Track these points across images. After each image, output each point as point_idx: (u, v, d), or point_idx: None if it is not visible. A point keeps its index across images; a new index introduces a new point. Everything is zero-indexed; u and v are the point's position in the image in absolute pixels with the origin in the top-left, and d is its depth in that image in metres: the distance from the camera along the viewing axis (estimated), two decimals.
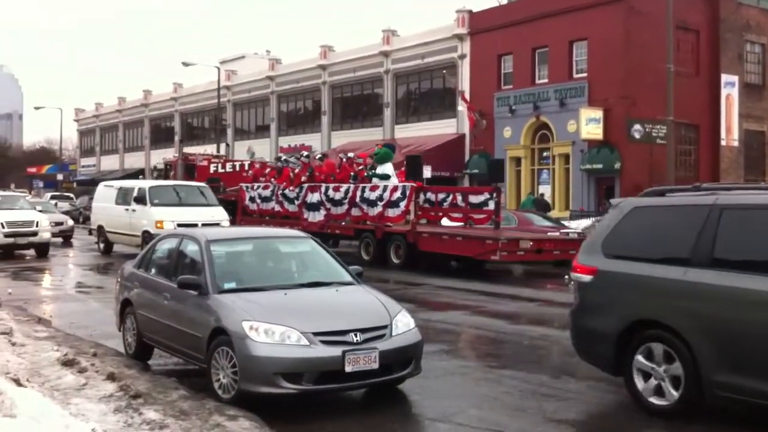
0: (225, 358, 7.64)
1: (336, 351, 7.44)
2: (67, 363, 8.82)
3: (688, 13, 34.27)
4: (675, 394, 7.27)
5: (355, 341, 7.57)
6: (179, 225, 21.04)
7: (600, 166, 34.46)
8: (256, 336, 7.45)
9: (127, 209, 24.46)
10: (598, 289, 8.12)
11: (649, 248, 7.78)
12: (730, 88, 37.68)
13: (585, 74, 35.54)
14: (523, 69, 38.20)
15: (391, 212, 22.78)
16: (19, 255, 25.98)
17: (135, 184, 26.77)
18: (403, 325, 8.09)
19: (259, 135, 57.39)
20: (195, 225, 20.24)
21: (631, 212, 8.13)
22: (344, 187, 24.68)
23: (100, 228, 26.58)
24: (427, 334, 9.31)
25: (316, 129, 51.83)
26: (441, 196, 22.92)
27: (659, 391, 7.42)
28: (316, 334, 7.51)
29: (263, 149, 53.08)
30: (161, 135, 69.76)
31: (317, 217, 25.32)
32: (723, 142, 37.58)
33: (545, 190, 37.02)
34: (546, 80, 37.29)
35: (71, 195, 62.17)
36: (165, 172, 37.29)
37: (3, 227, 24.57)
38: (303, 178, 26.82)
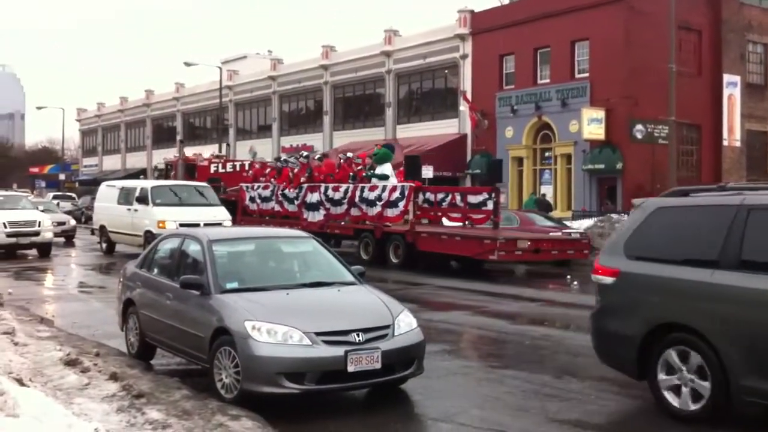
0: (227, 358, 7.64)
1: (338, 351, 7.44)
2: (70, 363, 8.83)
3: (690, 13, 34.25)
4: (701, 398, 7.11)
5: (357, 341, 7.58)
6: (181, 225, 21.07)
7: (602, 166, 34.44)
8: (259, 336, 7.46)
9: (129, 209, 24.48)
10: (620, 291, 7.95)
11: (674, 249, 7.61)
12: (732, 89, 37.65)
13: (587, 74, 35.52)
14: (524, 69, 38.19)
15: (390, 212, 22.85)
16: (21, 255, 26.01)
17: (137, 184, 26.80)
18: (406, 325, 8.09)
19: (261, 135, 57.39)
20: (197, 225, 20.25)
21: (655, 213, 7.95)
22: (343, 187, 24.76)
23: (103, 228, 26.61)
24: (429, 334, 9.32)
25: (318, 129, 51.83)
26: (440, 196, 23.00)
27: (685, 396, 7.25)
28: (318, 334, 7.52)
29: (265, 149, 53.06)
30: (163, 135, 69.78)
31: (317, 217, 25.41)
32: (725, 143, 37.54)
33: (547, 190, 37.00)
34: (548, 80, 37.28)
35: (73, 195, 62.20)
36: (165, 173, 37.35)
37: (5, 227, 24.59)
38: (302, 179, 26.87)
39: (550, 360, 10.29)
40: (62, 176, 79.38)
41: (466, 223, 22.61)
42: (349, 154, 28.57)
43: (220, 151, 45.68)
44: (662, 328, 7.43)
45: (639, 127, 31.43)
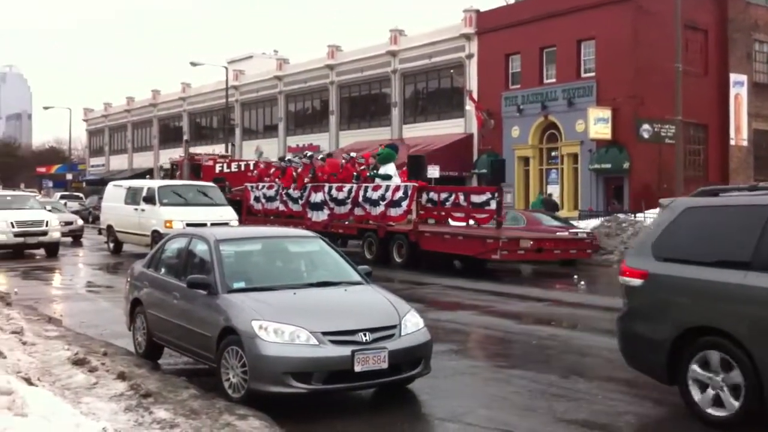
0: (235, 357, 7.66)
1: (345, 351, 7.44)
2: (78, 362, 8.85)
3: (697, 12, 34.19)
4: (734, 404, 6.90)
5: (364, 341, 7.58)
6: (188, 225, 21.07)
7: (608, 165, 34.40)
8: (266, 335, 7.46)
9: (136, 209, 24.52)
10: (649, 294, 7.73)
11: (704, 251, 7.40)
12: (738, 88, 37.58)
13: (593, 74, 35.48)
14: (530, 68, 38.16)
15: (394, 212, 22.92)
16: (29, 254, 26.08)
17: (144, 183, 26.85)
18: (413, 324, 8.09)
19: (267, 135, 57.45)
20: (204, 225, 20.27)
21: (684, 213, 7.73)
22: (347, 186, 24.85)
23: (110, 227, 26.66)
24: (436, 334, 9.31)
25: (324, 129, 51.87)
26: (443, 195, 23.05)
27: (717, 401, 7.05)
28: (325, 333, 7.52)
29: (271, 149, 53.12)
30: (170, 135, 69.90)
31: (321, 216, 25.51)
32: (732, 142, 37.48)
33: (554, 189, 36.96)
34: (554, 80, 37.24)
35: (81, 195, 62.37)
36: (171, 172, 37.44)
37: (13, 227, 24.66)
38: (306, 179, 26.95)
39: (557, 360, 10.27)
40: (69, 176, 79.60)
41: (471, 222, 22.65)
42: (353, 154, 28.67)
43: (226, 151, 45.77)
44: (693, 332, 7.24)
45: (646, 126, 31.41)
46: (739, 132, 37.79)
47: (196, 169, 33.79)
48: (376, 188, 23.66)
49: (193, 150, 40.71)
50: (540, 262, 22.91)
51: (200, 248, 9.13)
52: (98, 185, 65.07)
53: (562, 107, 36.30)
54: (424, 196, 23.19)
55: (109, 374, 8.40)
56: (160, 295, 9.49)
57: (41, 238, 25.31)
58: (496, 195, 21.45)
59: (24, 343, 9.93)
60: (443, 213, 23.39)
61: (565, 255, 21.82)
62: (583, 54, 36.08)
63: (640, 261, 7.92)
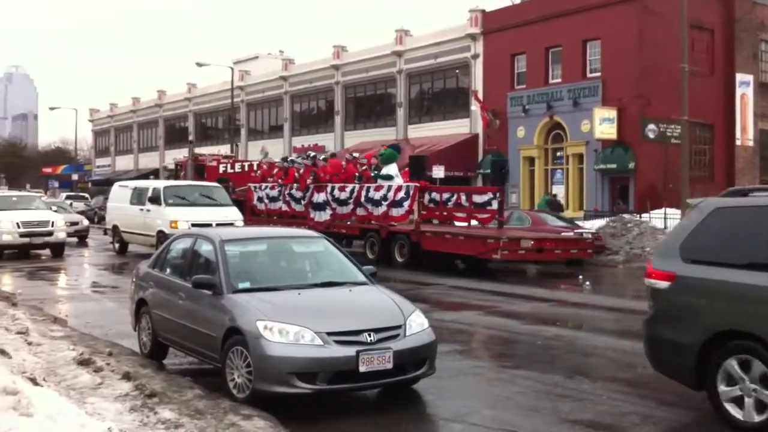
0: (239, 357, 7.67)
1: (350, 351, 7.45)
2: (83, 362, 8.87)
3: (703, 12, 34.12)
4: (766, 409, 6.74)
5: (369, 341, 7.58)
6: (193, 225, 21.12)
7: (614, 166, 34.34)
8: (271, 336, 7.47)
9: (141, 209, 24.57)
10: (676, 297, 7.51)
11: (735, 252, 7.19)
12: (744, 88, 37.49)
13: (599, 74, 35.42)
14: (536, 68, 38.12)
15: (395, 212, 23.07)
16: (34, 255, 26.16)
17: (150, 184, 26.91)
18: (417, 325, 8.09)
19: (273, 135, 57.49)
20: (209, 225, 20.29)
21: (713, 213, 7.50)
22: (349, 187, 25.03)
23: (115, 228, 26.71)
24: (440, 334, 9.31)
25: (329, 129, 51.88)
26: (446, 195, 23.14)
27: (748, 407, 6.87)
28: (330, 333, 7.52)
29: (277, 149, 53.16)
30: (175, 135, 70.00)
31: (323, 216, 25.66)
32: (738, 142, 37.39)
33: (559, 190, 36.93)
34: (559, 80, 37.19)
35: (86, 195, 62.52)
36: (175, 173, 37.55)
37: (18, 227, 24.73)
38: (308, 180, 27.06)
39: (562, 360, 10.26)
40: (75, 176, 79.74)
41: (474, 222, 22.74)
42: (356, 154, 28.80)
43: (232, 151, 45.84)
44: (722, 336, 7.04)
45: (651, 126, 31.33)
46: (745, 132, 37.69)
47: (200, 169, 33.87)
48: (378, 188, 23.79)
49: (198, 150, 40.78)
50: (543, 262, 22.98)
51: (205, 248, 9.15)
52: (104, 186, 65.22)
53: (568, 107, 36.25)
54: (427, 197, 23.31)
55: (114, 374, 8.42)
56: (165, 295, 9.50)
57: (47, 239, 25.38)
58: (498, 195, 21.55)
59: (29, 344, 9.96)
60: (445, 213, 23.49)
61: (566, 255, 21.90)
62: (588, 54, 36.02)
63: (667, 263, 7.69)
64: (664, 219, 27.97)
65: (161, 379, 8.49)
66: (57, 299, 16.34)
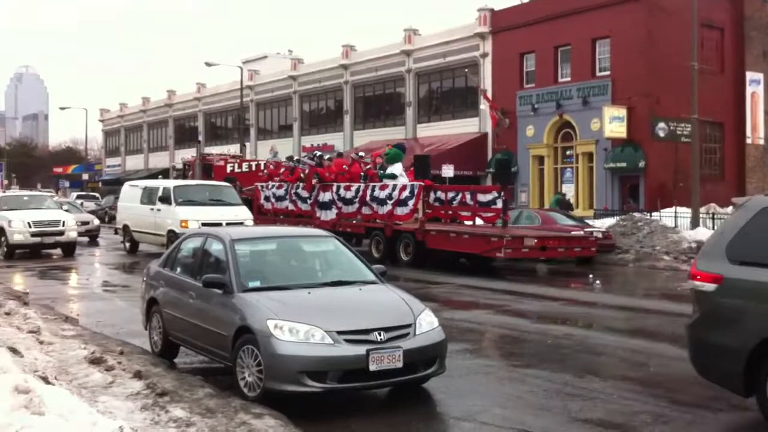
0: (250, 356, 7.68)
1: (360, 350, 7.46)
2: (95, 361, 8.90)
3: (712, 10, 34.00)
4: None
5: (379, 340, 7.59)
6: (204, 224, 21.16)
7: (624, 164, 34.27)
8: (281, 335, 7.48)
9: (152, 209, 24.64)
10: (724, 300, 7.19)
11: None
12: (755, 86, 37.35)
13: (608, 72, 35.35)
14: (545, 67, 38.06)
15: (400, 210, 23.20)
16: (45, 254, 26.25)
17: (160, 183, 26.97)
18: (427, 324, 8.09)
19: (282, 135, 57.57)
20: (219, 224, 20.33)
21: (761, 213, 7.21)
22: (355, 186, 25.19)
23: (126, 227, 26.79)
24: (450, 333, 9.31)
25: (338, 128, 51.92)
26: (450, 194, 23.19)
27: None
28: (340, 332, 7.53)
29: (286, 149, 53.18)
30: (185, 135, 70.16)
31: (329, 215, 25.86)
32: (748, 140, 37.28)
33: (568, 188, 36.87)
34: (569, 78, 37.12)
35: (97, 194, 62.76)
36: (183, 172, 37.69)
37: (30, 227, 24.82)
38: (313, 181, 27.16)
39: (572, 359, 10.24)
40: (86, 176, 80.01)
41: (480, 222, 22.82)
42: (361, 153, 28.95)
43: (240, 151, 45.94)
44: None
45: (661, 125, 31.25)
46: (756, 130, 37.56)
47: (208, 169, 33.99)
48: (383, 187, 23.94)
49: (208, 150, 40.88)
50: (553, 261, 22.97)
51: (216, 248, 9.17)
52: (114, 185, 65.44)
53: (577, 106, 36.18)
54: (432, 195, 23.40)
55: (125, 373, 8.45)
56: (175, 294, 9.53)
57: (58, 238, 25.46)
58: (502, 194, 21.62)
59: (41, 342, 10.00)
60: (450, 212, 23.55)
61: (569, 253, 21.94)
62: (598, 52, 35.95)
63: (713, 264, 7.36)
64: (675, 218, 27.89)
65: (172, 378, 8.51)
66: (68, 298, 16.40)
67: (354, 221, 25.15)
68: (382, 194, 23.76)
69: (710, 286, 7.31)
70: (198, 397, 7.67)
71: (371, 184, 24.68)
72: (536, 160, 38.91)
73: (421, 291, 15.62)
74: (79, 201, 46.70)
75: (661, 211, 29.24)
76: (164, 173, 66.57)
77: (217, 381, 8.51)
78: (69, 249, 25.98)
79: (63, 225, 25.49)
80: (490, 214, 22.22)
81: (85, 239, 31.27)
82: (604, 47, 35.60)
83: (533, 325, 13.05)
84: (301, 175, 28.39)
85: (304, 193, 27.38)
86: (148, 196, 25.33)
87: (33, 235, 24.91)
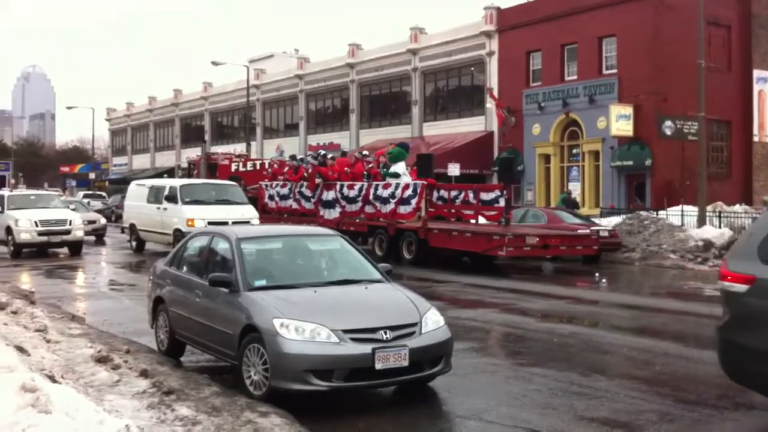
0: (256, 355, 7.69)
1: (366, 348, 7.46)
2: (101, 360, 8.93)
3: (719, 8, 33.92)
4: None
5: (384, 339, 7.58)
6: (210, 223, 21.22)
7: (630, 162, 34.21)
8: (287, 333, 7.49)
9: (158, 207, 24.69)
10: (757, 301, 6.91)
11: None
12: (762, 84, 37.25)
13: (614, 70, 35.30)
14: (551, 66, 38.00)
15: (403, 209, 23.25)
16: (52, 253, 26.33)
17: (166, 182, 27.03)
18: (433, 322, 8.09)
19: (288, 133, 57.62)
20: (225, 223, 20.39)
21: None
22: (358, 185, 25.27)
23: (132, 226, 26.86)
24: (456, 332, 9.30)
25: (344, 127, 51.95)
26: (453, 193, 23.21)
27: None
28: (346, 331, 7.53)
29: (292, 148, 53.26)
30: (191, 134, 70.26)
31: (333, 214, 25.96)
32: (755, 138, 37.18)
33: (575, 187, 36.83)
34: (575, 77, 37.07)
35: (103, 194, 62.85)
36: (189, 171, 37.80)
37: (37, 226, 24.88)
38: (317, 180, 27.23)
39: (578, 358, 10.23)
40: (92, 175, 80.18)
41: (483, 220, 22.83)
42: (365, 152, 29.01)
43: (246, 150, 46.01)
44: None
45: (668, 123, 31.18)
46: (763, 128, 37.45)
47: (213, 168, 34.10)
48: (386, 186, 24.00)
49: (214, 149, 40.94)
50: (559, 259, 22.95)
51: (222, 246, 9.18)
52: (121, 184, 65.57)
53: (584, 104, 36.13)
54: (435, 194, 23.43)
55: (131, 372, 8.47)
56: (182, 293, 9.54)
57: (65, 237, 25.52)
58: (504, 192, 21.63)
59: (48, 341, 10.03)
60: (453, 211, 23.57)
61: (571, 251, 21.95)
62: (604, 51, 35.89)
63: (744, 264, 7.10)
64: (681, 216, 27.84)
65: (178, 377, 8.53)
66: (75, 297, 16.44)
67: (357, 220, 25.20)
68: (385, 193, 23.82)
69: (741, 287, 7.09)
70: (204, 396, 7.69)
71: (374, 182, 24.75)
72: (542, 158, 38.87)
73: (427, 290, 15.62)
74: (86, 200, 46.81)
75: (668, 209, 29.18)
76: (170, 172, 66.71)
77: (223, 379, 8.53)
78: (76, 248, 26.04)
79: (70, 224, 25.55)
80: (492, 213, 22.26)
81: (92, 238, 31.37)
82: (611, 45, 35.55)
83: (539, 324, 13.03)
84: (305, 174, 28.46)
85: (308, 192, 27.52)
86: (155, 195, 25.39)
87: (40, 234, 24.98)
